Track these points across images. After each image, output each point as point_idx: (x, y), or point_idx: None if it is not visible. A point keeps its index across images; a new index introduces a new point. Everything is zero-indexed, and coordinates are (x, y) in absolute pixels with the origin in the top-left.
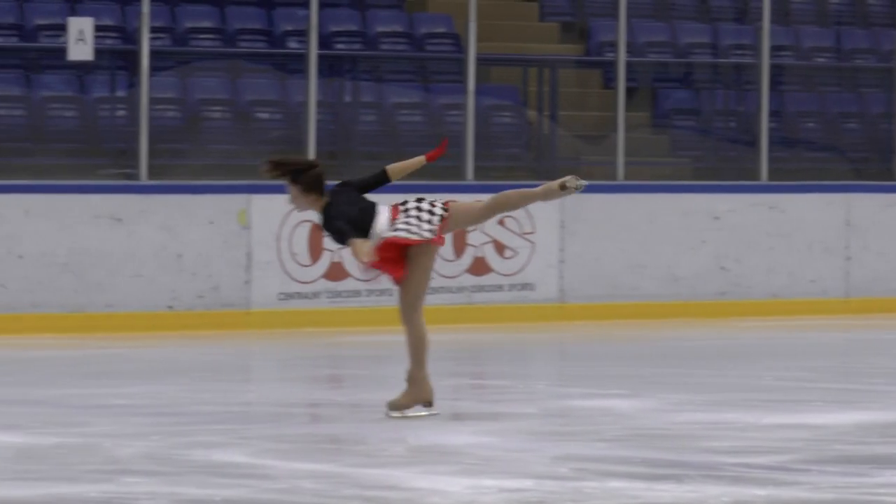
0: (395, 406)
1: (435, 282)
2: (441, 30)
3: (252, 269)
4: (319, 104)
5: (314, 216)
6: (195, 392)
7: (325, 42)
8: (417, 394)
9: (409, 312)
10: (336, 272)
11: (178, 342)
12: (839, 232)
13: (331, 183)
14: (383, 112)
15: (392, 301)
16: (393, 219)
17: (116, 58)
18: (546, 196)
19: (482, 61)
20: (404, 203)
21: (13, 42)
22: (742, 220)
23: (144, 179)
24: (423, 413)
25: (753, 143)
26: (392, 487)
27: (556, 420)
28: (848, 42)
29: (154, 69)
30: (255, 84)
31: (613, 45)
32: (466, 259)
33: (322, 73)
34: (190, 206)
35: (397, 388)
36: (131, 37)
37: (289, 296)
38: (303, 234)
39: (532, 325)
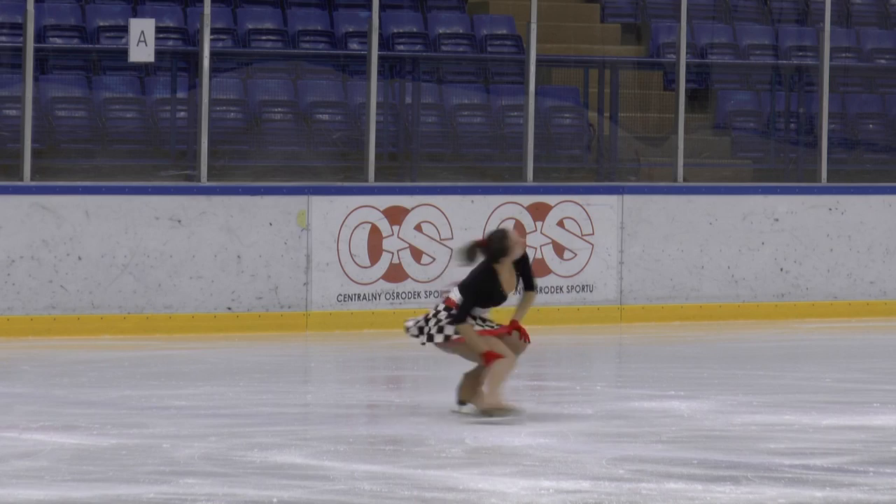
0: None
1: None
2: (502, 31)
3: (311, 270)
4: (380, 105)
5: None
6: (254, 393)
7: (386, 43)
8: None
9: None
10: (395, 274)
11: (237, 344)
12: None
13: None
14: (444, 113)
15: None
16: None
17: (178, 59)
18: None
19: (543, 62)
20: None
21: (75, 44)
22: (802, 222)
23: (205, 181)
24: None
25: (814, 145)
26: (450, 489)
27: (615, 421)
28: None
29: (215, 70)
30: (317, 85)
31: (675, 47)
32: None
33: (383, 74)
34: (250, 208)
35: (455, 391)
36: (192, 38)
37: (348, 297)
38: (362, 235)
39: (591, 326)
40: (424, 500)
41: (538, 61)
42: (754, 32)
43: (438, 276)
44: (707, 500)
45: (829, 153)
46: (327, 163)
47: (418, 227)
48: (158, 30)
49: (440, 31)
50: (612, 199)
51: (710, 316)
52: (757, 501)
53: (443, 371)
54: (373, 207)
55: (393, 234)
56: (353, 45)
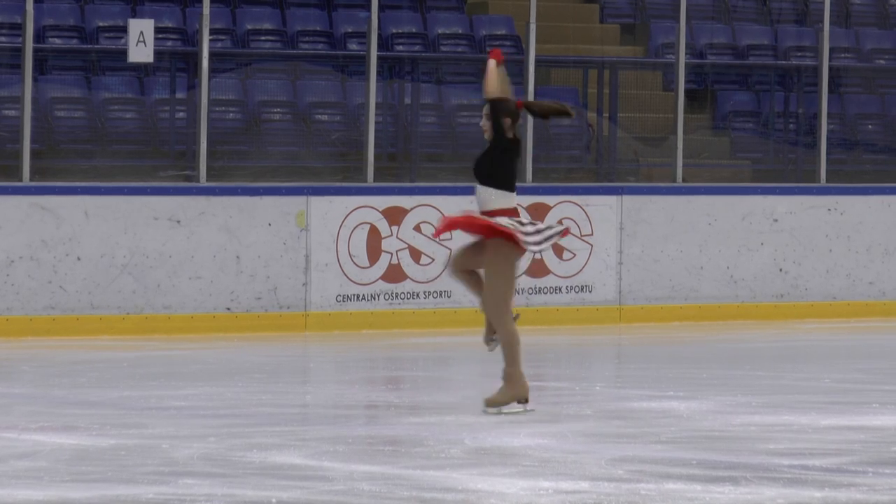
0: (493, 403)
1: None
2: (501, 31)
3: (310, 271)
4: (379, 106)
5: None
6: (253, 394)
7: (385, 44)
8: (514, 391)
9: (497, 314)
10: (394, 274)
11: (236, 344)
12: None
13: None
14: (443, 114)
15: (450, 303)
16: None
17: (177, 59)
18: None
19: (542, 63)
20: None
21: (74, 44)
22: (801, 222)
23: (204, 181)
24: (518, 409)
25: (813, 145)
26: (449, 489)
27: (614, 422)
28: None
29: (214, 71)
30: (316, 86)
31: (674, 47)
32: (525, 261)
33: (382, 74)
34: (249, 209)
35: (455, 390)
36: (192, 38)
37: (347, 298)
38: (361, 236)
39: (590, 327)
40: (423, 501)
41: (537, 61)
42: (753, 33)
43: (437, 277)
44: (706, 501)
45: (828, 153)
46: (326, 163)
47: (417, 228)
48: (157, 30)
49: (439, 32)
50: (612, 200)
51: (709, 316)
52: (756, 502)
53: (442, 371)
54: (372, 208)
55: (392, 235)
56: (353, 46)
